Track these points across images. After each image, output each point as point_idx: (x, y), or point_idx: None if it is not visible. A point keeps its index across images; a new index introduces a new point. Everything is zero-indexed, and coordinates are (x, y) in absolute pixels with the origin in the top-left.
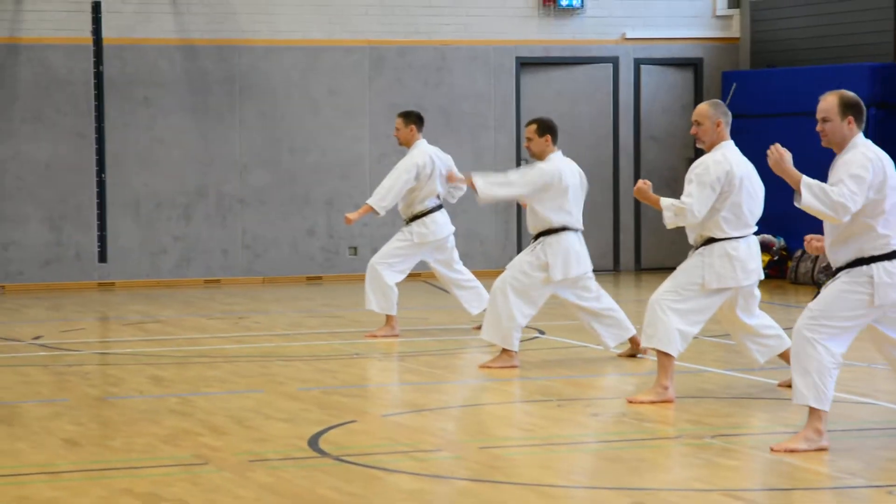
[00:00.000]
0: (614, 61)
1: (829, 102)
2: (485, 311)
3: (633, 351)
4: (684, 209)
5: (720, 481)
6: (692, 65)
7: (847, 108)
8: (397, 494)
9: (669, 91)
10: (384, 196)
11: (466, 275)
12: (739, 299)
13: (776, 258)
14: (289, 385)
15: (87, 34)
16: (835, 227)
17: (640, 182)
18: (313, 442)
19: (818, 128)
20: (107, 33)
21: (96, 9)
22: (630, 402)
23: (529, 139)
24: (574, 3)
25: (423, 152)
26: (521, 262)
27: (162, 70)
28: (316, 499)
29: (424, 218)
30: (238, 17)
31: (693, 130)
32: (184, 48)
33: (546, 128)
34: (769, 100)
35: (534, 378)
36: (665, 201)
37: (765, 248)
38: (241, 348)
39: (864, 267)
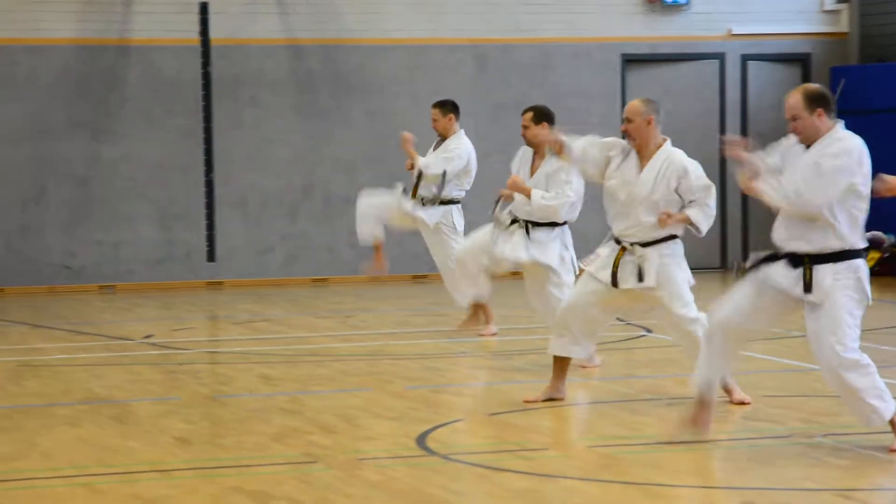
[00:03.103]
0: (721, 57)
1: (794, 100)
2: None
3: None
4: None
5: (831, 481)
6: (800, 60)
7: (813, 101)
8: (505, 493)
9: (777, 87)
10: (431, 164)
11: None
12: None
13: (887, 255)
14: (396, 383)
15: (194, 35)
16: None
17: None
18: (421, 440)
19: (790, 127)
20: (214, 34)
21: (204, 10)
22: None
23: (526, 127)
24: None
25: (468, 142)
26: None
27: (269, 70)
28: (424, 497)
29: (454, 206)
30: (344, 16)
31: (623, 127)
32: (290, 48)
33: (543, 116)
34: (878, 95)
35: (641, 376)
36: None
37: (876, 244)
38: (348, 347)
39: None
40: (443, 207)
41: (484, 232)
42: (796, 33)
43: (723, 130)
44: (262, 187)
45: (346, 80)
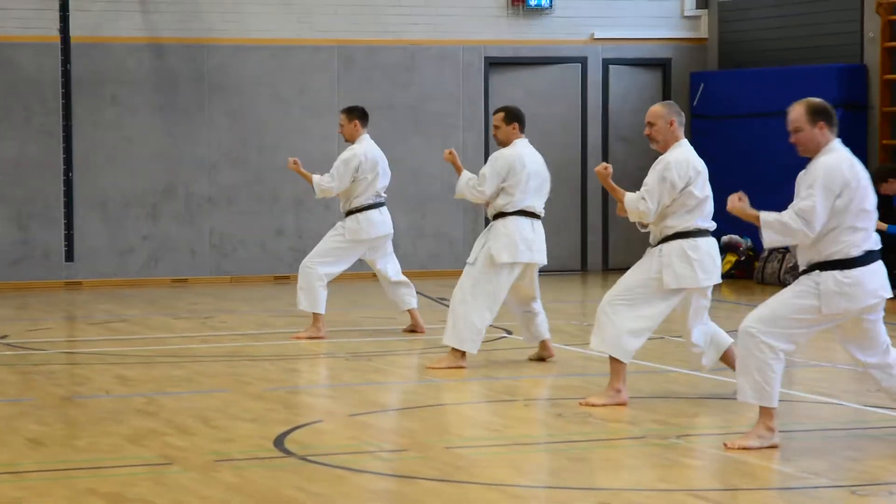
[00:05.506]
0: (583, 61)
1: (797, 112)
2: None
3: (542, 355)
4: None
5: (685, 481)
6: (660, 65)
7: (816, 114)
8: (363, 494)
9: (638, 91)
10: (328, 182)
11: (402, 276)
12: (693, 301)
13: (743, 258)
14: (255, 385)
15: (54, 32)
16: None
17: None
18: (279, 442)
19: (791, 139)
20: (74, 32)
21: (64, 7)
22: (582, 404)
23: (497, 127)
24: (543, 3)
25: (369, 147)
26: (481, 258)
27: (130, 69)
28: (281, 499)
29: (359, 214)
30: (207, 15)
31: (647, 131)
32: (152, 47)
33: (513, 116)
34: (737, 100)
35: (500, 378)
36: (629, 196)
37: (732, 248)
38: (207, 348)
39: (814, 273)
40: (352, 217)
41: None
42: (657, 38)
43: (584, 134)
44: (122, 187)
45: (207, 80)
